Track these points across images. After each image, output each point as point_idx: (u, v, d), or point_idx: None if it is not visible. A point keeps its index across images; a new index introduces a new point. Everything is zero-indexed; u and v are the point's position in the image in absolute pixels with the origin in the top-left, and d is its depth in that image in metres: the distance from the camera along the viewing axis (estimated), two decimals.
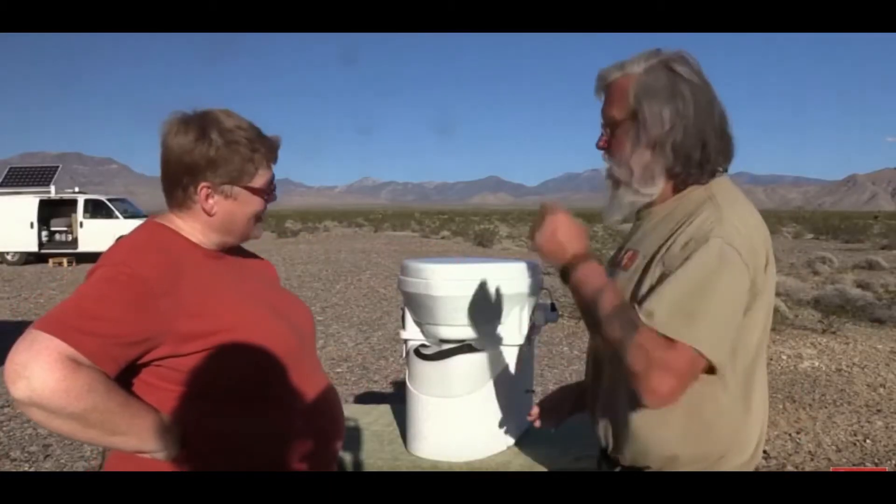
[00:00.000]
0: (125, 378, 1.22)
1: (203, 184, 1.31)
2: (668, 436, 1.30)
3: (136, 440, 1.20)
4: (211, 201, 1.32)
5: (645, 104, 1.29)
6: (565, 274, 1.31)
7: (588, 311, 1.26)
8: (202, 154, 1.29)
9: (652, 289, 1.23)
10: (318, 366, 1.50)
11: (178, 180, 1.32)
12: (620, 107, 1.33)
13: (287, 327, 1.39)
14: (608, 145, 1.37)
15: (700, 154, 1.29)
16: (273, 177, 1.41)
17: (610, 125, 1.36)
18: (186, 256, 1.31)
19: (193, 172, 1.30)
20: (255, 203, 1.37)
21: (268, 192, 1.40)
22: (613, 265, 1.43)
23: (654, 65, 1.31)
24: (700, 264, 1.19)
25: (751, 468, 1.36)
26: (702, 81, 1.31)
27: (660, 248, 1.28)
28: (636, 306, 1.21)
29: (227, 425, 1.29)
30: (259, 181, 1.36)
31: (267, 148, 1.37)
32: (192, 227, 1.36)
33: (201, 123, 1.31)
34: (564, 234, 1.31)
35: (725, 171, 1.36)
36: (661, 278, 1.22)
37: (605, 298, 1.23)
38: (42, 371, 1.06)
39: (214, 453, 1.28)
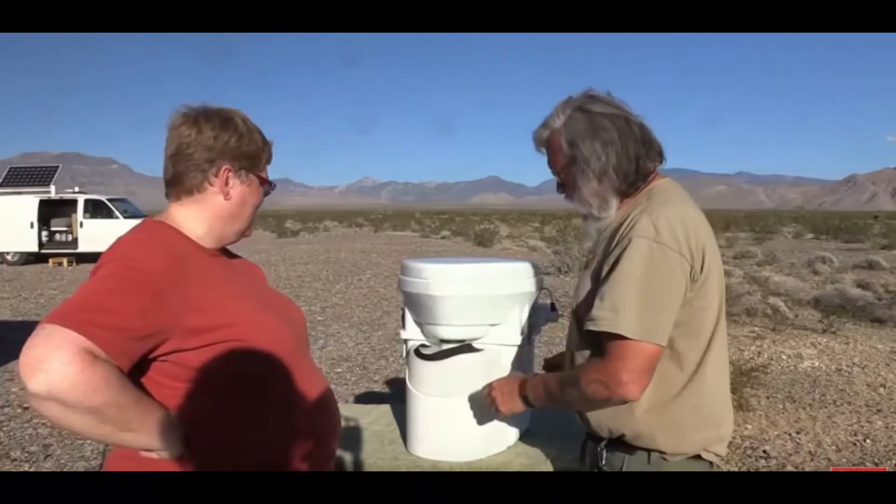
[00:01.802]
0: (132, 376, 1.21)
1: (225, 166, 1.37)
2: (634, 412, 1.45)
3: (147, 437, 1.20)
4: (230, 184, 1.38)
5: (579, 147, 1.50)
6: (529, 402, 1.67)
7: (558, 403, 1.60)
8: (227, 139, 1.37)
9: (598, 285, 1.44)
10: (314, 365, 1.51)
11: (198, 164, 1.36)
12: (559, 157, 1.55)
13: (285, 325, 1.40)
14: (564, 190, 1.59)
15: (635, 166, 1.50)
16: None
17: (558, 174, 1.58)
18: (188, 252, 1.32)
19: (217, 157, 1.36)
20: (260, 194, 1.46)
21: (270, 185, 1.48)
22: (584, 268, 1.63)
23: (570, 113, 1.52)
24: (628, 264, 1.38)
25: (721, 448, 1.51)
26: (614, 108, 1.52)
27: (606, 249, 1.48)
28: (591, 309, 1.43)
29: (230, 424, 1.29)
30: (265, 173, 1.46)
31: (269, 146, 1.47)
32: (196, 220, 1.38)
33: (223, 113, 1.39)
34: (502, 394, 1.73)
35: (655, 168, 1.55)
36: (603, 277, 1.43)
37: (552, 388, 1.58)
38: (61, 364, 1.06)
39: (217, 452, 1.29)
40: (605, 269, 1.43)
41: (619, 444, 1.50)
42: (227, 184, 1.37)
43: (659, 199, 1.48)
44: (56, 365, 1.05)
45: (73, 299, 1.16)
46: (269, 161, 1.47)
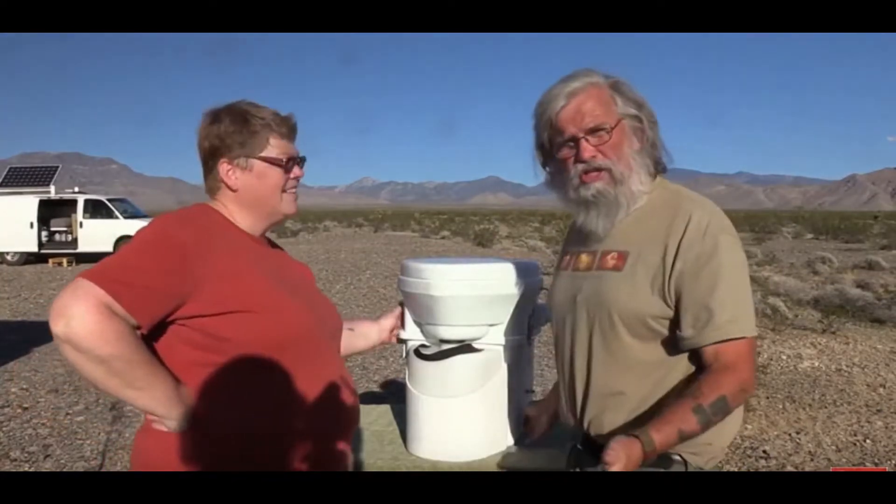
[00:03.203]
0: (150, 338, 1.31)
1: (222, 160, 1.42)
2: None
3: (150, 399, 1.28)
4: (232, 176, 1.43)
5: (643, 107, 1.44)
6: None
7: (694, 437, 1.34)
8: (215, 133, 1.42)
9: (679, 287, 1.36)
10: (340, 363, 1.54)
11: (206, 165, 1.44)
12: (609, 112, 1.42)
13: (309, 312, 1.44)
14: (601, 150, 1.41)
15: (660, 154, 1.48)
16: (296, 152, 1.49)
17: (594, 131, 1.41)
18: (223, 231, 1.41)
19: (213, 153, 1.42)
20: (275, 175, 1.45)
21: (285, 164, 1.46)
22: (583, 268, 1.51)
23: (616, 78, 1.44)
24: (724, 264, 1.34)
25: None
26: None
27: (665, 247, 1.37)
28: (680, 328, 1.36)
29: (236, 395, 1.33)
30: (273, 152, 1.44)
31: (277, 122, 1.45)
32: (230, 211, 1.46)
33: (216, 110, 1.44)
34: (629, 462, 1.29)
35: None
36: (688, 279, 1.35)
37: (687, 428, 1.31)
38: (80, 313, 1.17)
39: (222, 438, 1.32)
40: (681, 269, 1.35)
41: None
42: (228, 175, 1.43)
43: (685, 192, 1.47)
44: (75, 312, 1.17)
45: (108, 258, 1.27)
46: (284, 137, 1.46)
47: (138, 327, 1.25)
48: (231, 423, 1.33)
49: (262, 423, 1.34)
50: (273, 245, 1.58)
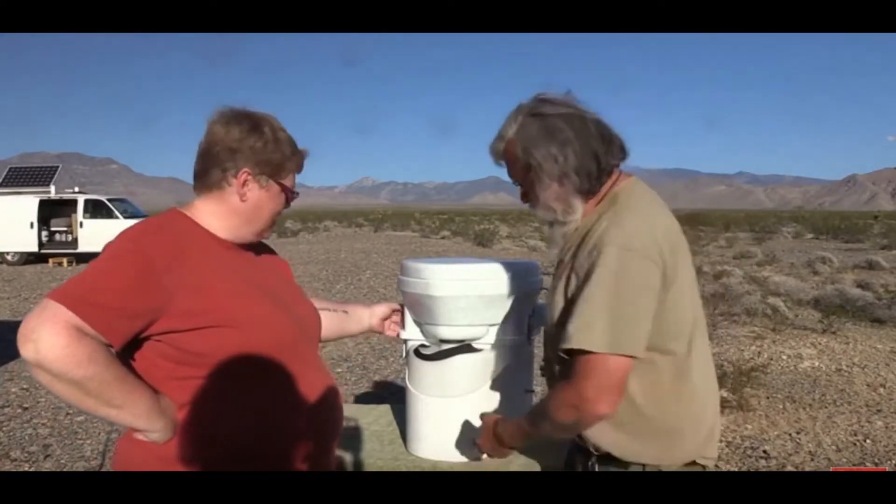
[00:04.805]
0: (128, 353, 1.29)
1: (245, 169, 1.39)
2: (614, 427, 1.40)
3: (129, 416, 1.26)
4: (247, 187, 1.40)
5: (533, 153, 1.44)
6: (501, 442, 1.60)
7: (536, 438, 1.52)
8: (252, 143, 1.39)
9: (569, 301, 1.39)
10: (320, 365, 1.52)
11: (221, 163, 1.39)
12: (516, 166, 1.50)
13: (288, 319, 1.42)
14: (526, 199, 1.54)
15: (596, 164, 1.44)
16: (295, 184, 1.50)
17: (518, 183, 1.54)
18: (194, 241, 1.37)
19: (239, 158, 1.39)
20: (280, 201, 1.46)
21: (292, 194, 1.48)
22: (554, 278, 1.55)
23: (522, 120, 1.47)
24: (598, 274, 1.33)
25: (712, 450, 1.46)
26: (567, 107, 1.46)
27: (572, 257, 1.43)
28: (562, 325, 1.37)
29: (219, 410, 1.32)
30: (289, 182, 1.46)
31: (299, 156, 1.48)
32: (212, 215, 1.42)
33: (254, 118, 1.41)
34: (490, 448, 1.65)
35: (618, 164, 1.50)
36: (575, 290, 1.37)
37: (525, 426, 1.51)
38: (48, 337, 1.14)
39: (208, 443, 1.31)
40: (574, 282, 1.38)
41: (611, 459, 1.43)
42: (244, 186, 1.40)
43: (625, 203, 1.43)
44: (44, 336, 1.14)
45: (75, 278, 1.23)
46: (298, 171, 1.48)
47: (110, 345, 1.22)
48: (215, 430, 1.32)
49: (246, 430, 1.33)
50: (249, 246, 1.53)
